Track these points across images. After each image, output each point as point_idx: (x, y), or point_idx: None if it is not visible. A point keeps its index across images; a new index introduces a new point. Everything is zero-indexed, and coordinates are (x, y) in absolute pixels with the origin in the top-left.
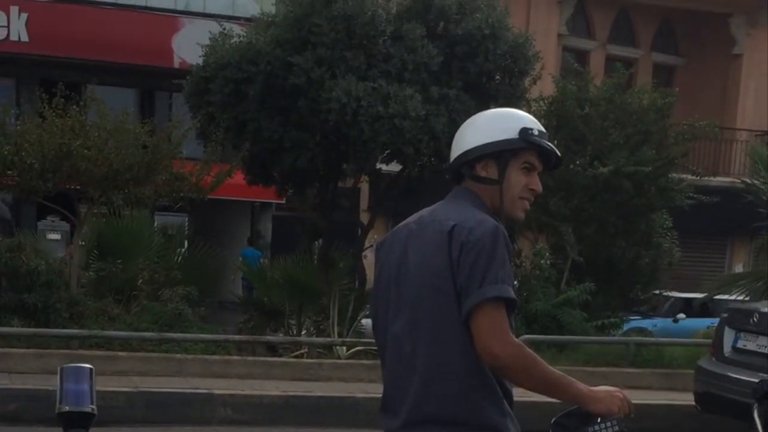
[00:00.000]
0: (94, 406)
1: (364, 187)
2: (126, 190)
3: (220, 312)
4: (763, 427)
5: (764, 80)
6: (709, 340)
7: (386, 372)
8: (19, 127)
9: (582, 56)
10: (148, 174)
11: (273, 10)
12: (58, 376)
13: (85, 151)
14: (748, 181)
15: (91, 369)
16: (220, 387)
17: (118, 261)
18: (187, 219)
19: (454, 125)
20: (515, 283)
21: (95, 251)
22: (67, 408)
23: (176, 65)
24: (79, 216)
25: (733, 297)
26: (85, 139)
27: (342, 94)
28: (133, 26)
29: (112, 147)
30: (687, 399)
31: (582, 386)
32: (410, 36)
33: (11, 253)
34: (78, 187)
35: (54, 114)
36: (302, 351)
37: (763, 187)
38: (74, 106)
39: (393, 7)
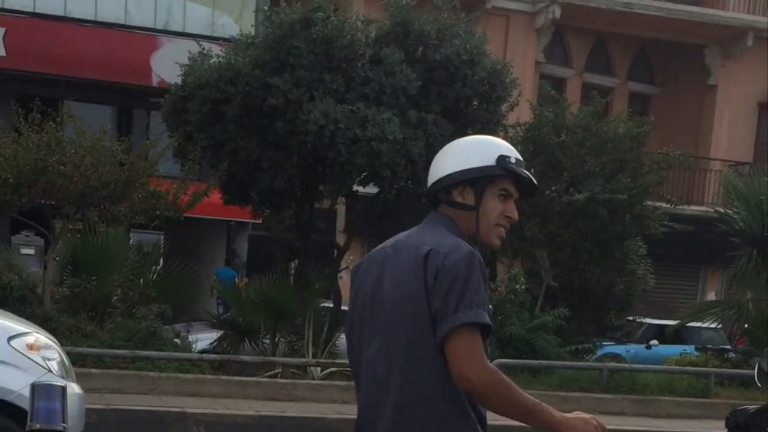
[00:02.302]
0: (66, 425)
1: (341, 209)
2: (102, 207)
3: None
4: None
5: (738, 111)
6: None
7: (360, 396)
8: None
9: (559, 84)
10: (125, 191)
11: (252, 31)
12: (30, 394)
13: (61, 167)
14: (722, 210)
15: (63, 387)
16: (194, 406)
17: (93, 277)
18: (162, 237)
19: (432, 149)
20: (490, 307)
21: (69, 267)
22: (38, 426)
23: (154, 84)
24: (53, 231)
25: (705, 324)
26: (62, 155)
27: (320, 116)
28: (111, 44)
29: (88, 164)
30: (659, 425)
31: (556, 413)
32: (389, 60)
33: None
34: (53, 202)
35: (30, 129)
36: (276, 371)
37: (736, 216)
38: (51, 122)
39: (372, 31)
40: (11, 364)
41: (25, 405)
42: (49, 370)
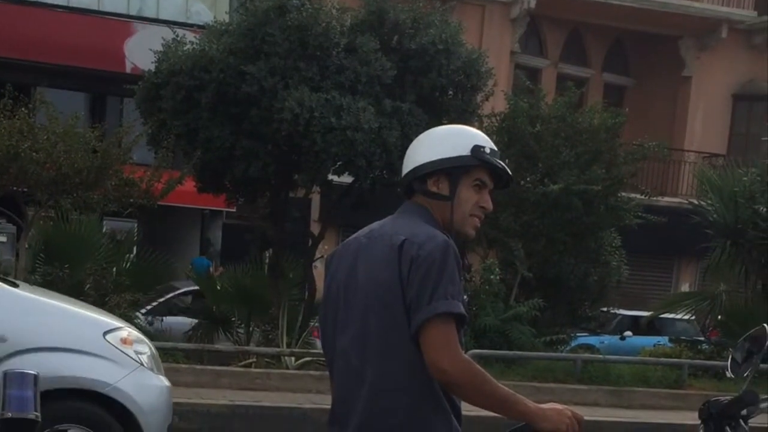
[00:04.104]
0: (38, 413)
1: (316, 198)
2: (75, 195)
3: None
4: None
5: (712, 103)
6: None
7: (334, 385)
8: None
9: (534, 74)
10: (98, 179)
11: (227, 18)
12: (2, 382)
13: (34, 153)
14: (696, 202)
15: (35, 375)
16: None
17: (66, 265)
18: (136, 225)
19: (407, 139)
20: (465, 298)
21: (42, 255)
22: (9, 414)
23: (128, 70)
24: (26, 219)
25: (679, 316)
26: (34, 141)
27: (295, 104)
28: (84, 30)
29: (61, 150)
30: (632, 416)
31: (530, 404)
32: (364, 49)
33: None
34: (26, 189)
35: (2, 115)
36: (251, 360)
37: (710, 208)
38: (23, 108)
39: (347, 19)
40: (106, 357)
41: (120, 398)
42: (141, 364)
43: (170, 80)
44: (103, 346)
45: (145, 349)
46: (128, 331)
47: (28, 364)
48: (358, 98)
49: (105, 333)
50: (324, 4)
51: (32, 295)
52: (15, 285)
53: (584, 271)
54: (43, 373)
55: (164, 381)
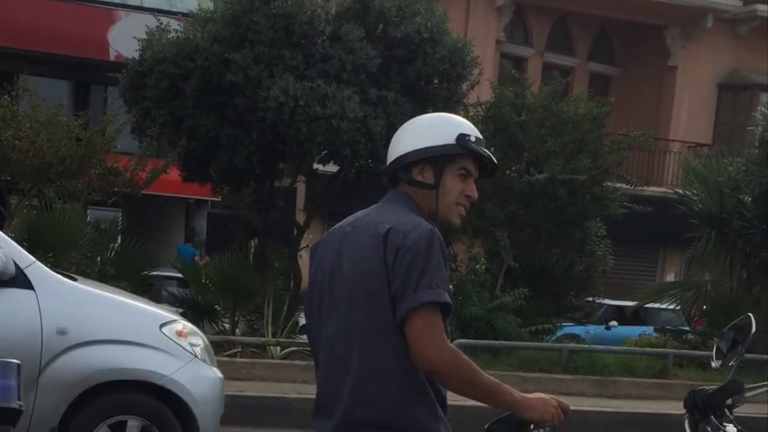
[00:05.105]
0: (21, 402)
1: (301, 187)
2: (58, 183)
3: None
4: None
5: (698, 92)
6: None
7: (320, 374)
8: None
9: (519, 63)
10: (81, 167)
11: (211, 6)
12: None
13: (17, 142)
14: (681, 191)
15: (18, 364)
16: None
17: (49, 255)
18: (120, 214)
19: (392, 128)
20: (450, 287)
21: (25, 244)
22: None
23: (112, 58)
24: (9, 207)
25: (664, 305)
26: (17, 129)
27: (279, 93)
28: (68, 17)
29: (44, 139)
30: (618, 406)
31: (516, 393)
32: (349, 37)
33: None
34: (8, 178)
35: None
36: (236, 350)
37: (695, 198)
38: (6, 96)
39: (332, 7)
40: (162, 349)
41: (176, 389)
42: (195, 356)
43: (154, 68)
44: (160, 339)
45: (199, 341)
46: (183, 323)
47: (88, 357)
48: (343, 87)
49: (161, 325)
50: None
51: (91, 289)
52: (74, 279)
53: (570, 260)
54: (102, 365)
55: (217, 372)
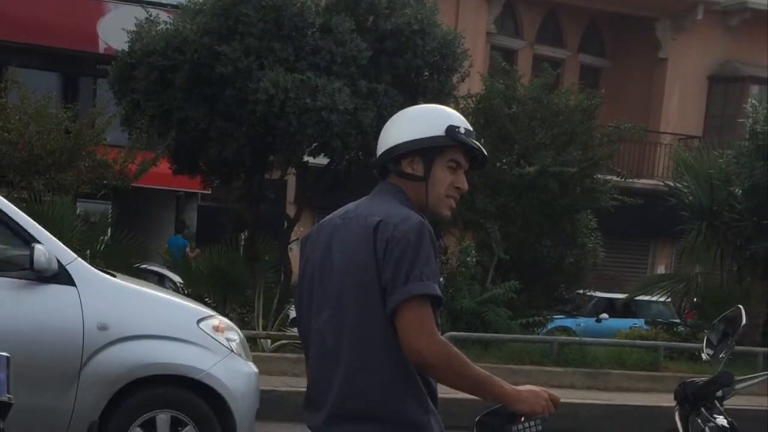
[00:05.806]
0: (10, 395)
1: (291, 180)
2: (47, 176)
3: None
4: (684, 430)
5: (688, 85)
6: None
7: (310, 367)
8: None
9: (510, 55)
10: (71, 160)
11: None
12: None
13: (5, 134)
14: (672, 184)
15: (7, 357)
16: None
17: None
18: (110, 207)
19: (382, 120)
20: (441, 280)
21: None
22: None
23: (101, 50)
24: None
25: (655, 298)
26: (5, 122)
27: (270, 85)
28: (57, 9)
29: (33, 131)
30: (608, 398)
31: (507, 386)
32: (339, 29)
33: None
34: None
35: None
36: None
37: (685, 190)
38: None
39: None
40: (199, 344)
41: (213, 383)
42: (232, 351)
43: (144, 60)
44: (197, 334)
45: (235, 336)
46: (219, 319)
47: (128, 352)
48: (333, 79)
49: (198, 321)
50: None
51: (131, 285)
52: (113, 275)
53: (560, 253)
54: (142, 360)
55: (253, 367)
